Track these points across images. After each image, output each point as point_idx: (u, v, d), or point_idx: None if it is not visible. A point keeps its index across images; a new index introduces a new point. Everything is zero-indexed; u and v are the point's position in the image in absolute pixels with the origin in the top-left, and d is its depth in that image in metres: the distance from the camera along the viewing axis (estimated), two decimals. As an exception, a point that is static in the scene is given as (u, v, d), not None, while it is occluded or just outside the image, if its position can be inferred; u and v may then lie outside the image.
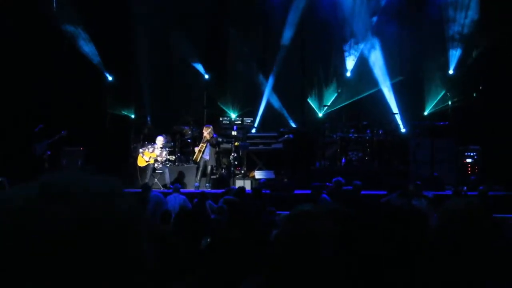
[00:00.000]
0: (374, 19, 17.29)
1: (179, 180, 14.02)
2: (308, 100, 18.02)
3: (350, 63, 17.80)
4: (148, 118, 17.67)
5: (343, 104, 17.64)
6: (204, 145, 14.46)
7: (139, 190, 11.07)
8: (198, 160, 14.50)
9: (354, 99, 17.48)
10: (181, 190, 11.83)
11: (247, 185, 14.18)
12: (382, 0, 17.09)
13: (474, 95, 16.03)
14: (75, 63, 16.22)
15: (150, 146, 14.77)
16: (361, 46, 17.59)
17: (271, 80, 17.81)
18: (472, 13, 16.24)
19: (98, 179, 0.98)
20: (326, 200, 10.21)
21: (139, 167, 14.63)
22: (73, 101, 15.76)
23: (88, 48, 16.69)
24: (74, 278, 0.86)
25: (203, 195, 10.77)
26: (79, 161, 14.37)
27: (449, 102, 16.33)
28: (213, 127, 15.01)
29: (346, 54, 17.74)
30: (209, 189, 13.79)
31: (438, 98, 17.03)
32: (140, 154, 14.65)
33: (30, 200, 0.90)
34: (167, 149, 15.20)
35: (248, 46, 17.97)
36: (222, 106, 17.51)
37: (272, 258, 1.69)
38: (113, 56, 17.07)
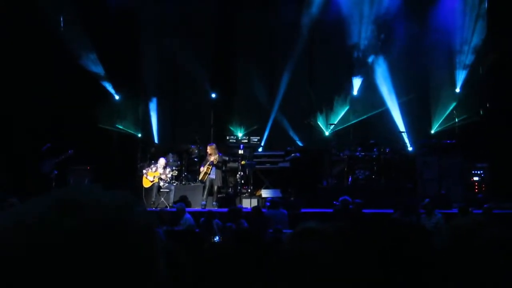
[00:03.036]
0: (381, 37, 17.31)
1: (183, 200, 13.98)
2: (314, 119, 17.97)
3: (357, 82, 17.79)
4: (155, 137, 17.72)
5: (350, 123, 17.61)
6: (210, 168, 14.49)
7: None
8: (205, 180, 14.56)
9: (361, 118, 17.48)
10: (187, 209, 11.88)
11: (254, 203, 14.20)
12: (389, 20, 17.10)
13: (481, 112, 15.98)
14: (83, 83, 16.30)
15: (152, 165, 14.83)
16: (368, 65, 17.60)
17: (278, 99, 17.83)
18: (479, 31, 16.24)
19: (111, 193, 0.97)
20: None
21: (145, 188, 14.64)
22: (80, 120, 15.82)
23: (95, 67, 16.77)
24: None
25: (210, 214, 10.76)
26: (86, 179, 14.37)
27: (456, 120, 16.30)
28: (219, 145, 15.05)
29: (353, 73, 17.73)
30: (215, 208, 13.73)
31: (445, 116, 17.01)
32: (144, 175, 14.70)
33: (43, 213, 0.89)
34: (173, 167, 15.21)
35: (254, 65, 18.03)
36: (229, 126, 17.51)
37: (276, 274, 1.67)
38: (121, 76, 17.15)
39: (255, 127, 17.61)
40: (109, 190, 0.97)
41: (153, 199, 14.46)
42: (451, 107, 16.89)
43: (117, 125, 17.34)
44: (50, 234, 0.87)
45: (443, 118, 17.03)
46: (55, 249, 0.86)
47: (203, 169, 14.58)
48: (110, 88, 17.35)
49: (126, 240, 0.91)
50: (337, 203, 11.78)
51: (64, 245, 0.86)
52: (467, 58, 16.72)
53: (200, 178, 14.76)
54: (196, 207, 13.99)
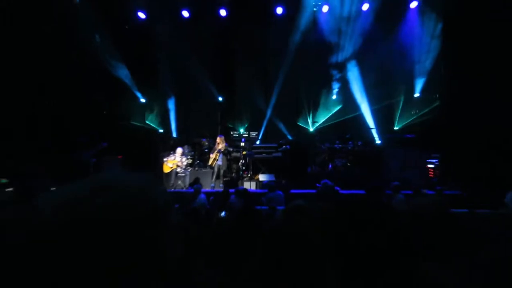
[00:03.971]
0: (356, 51, 17.30)
1: (195, 183, 14.04)
2: (303, 118, 18.05)
3: (336, 88, 17.81)
4: (173, 132, 17.73)
5: (330, 122, 17.79)
6: (218, 154, 14.51)
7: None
8: (213, 165, 14.56)
9: (340, 119, 17.62)
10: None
11: (253, 185, 14.29)
12: (362, 36, 17.08)
13: (435, 112, 16.01)
14: (115, 88, 16.37)
15: (172, 154, 14.85)
16: (346, 74, 17.58)
17: (272, 101, 17.83)
18: (435, 45, 16.24)
19: (136, 177, 1.01)
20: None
21: (165, 172, 14.65)
22: (112, 118, 15.83)
23: (126, 77, 16.77)
24: (119, 253, 0.88)
25: (217, 194, 10.71)
26: (118, 166, 14.30)
27: (415, 118, 16.40)
28: (224, 139, 15.05)
29: (333, 81, 17.74)
30: (222, 189, 13.69)
31: (407, 115, 17.06)
32: (165, 162, 14.71)
33: (81, 194, 0.93)
34: (188, 156, 15.26)
35: (253, 73, 18.04)
36: (232, 124, 17.53)
37: (270, 241, 1.69)
38: (145, 82, 17.19)
39: (246, 125, 17.65)
40: (135, 175, 1.01)
41: (171, 182, 14.47)
42: (411, 108, 16.97)
43: (143, 122, 17.41)
44: (86, 210, 0.90)
45: (405, 116, 17.09)
46: (90, 221, 0.89)
47: (212, 156, 14.64)
48: (137, 92, 17.36)
49: (147, 214, 0.93)
50: (320, 186, 11.73)
51: (97, 218, 0.89)
52: (425, 67, 16.73)
53: (209, 164, 14.75)
54: (207, 188, 13.97)
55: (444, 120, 14.84)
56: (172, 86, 17.74)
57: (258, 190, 13.82)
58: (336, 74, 17.66)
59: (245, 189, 10.78)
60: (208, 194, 11.55)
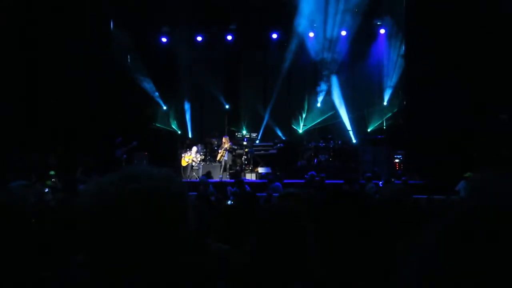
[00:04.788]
0: (336, 68, 17.27)
1: (207, 174, 14.06)
2: (293, 121, 18.03)
3: (320, 98, 17.78)
4: (189, 133, 17.73)
5: (315, 124, 17.64)
6: (224, 151, 14.48)
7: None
8: (221, 160, 14.54)
9: (323, 122, 17.52)
10: (210, 180, 11.82)
11: (253, 176, 14.25)
12: (341, 56, 17.06)
13: (400, 118, 16.04)
14: (142, 97, 16.36)
15: (188, 151, 14.85)
16: (328, 86, 17.53)
17: (269, 108, 17.78)
18: (400, 63, 16.25)
19: (159, 169, 1.01)
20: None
21: (182, 166, 14.67)
22: (141, 122, 15.82)
23: (150, 88, 16.75)
24: (145, 236, 0.88)
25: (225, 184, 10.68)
26: (144, 161, 14.25)
27: (384, 122, 16.46)
28: (231, 138, 15.04)
29: (318, 92, 17.66)
30: (228, 179, 13.78)
31: (377, 119, 17.08)
32: (182, 157, 14.73)
33: (114, 182, 0.93)
34: (201, 153, 15.24)
35: (254, 85, 17.99)
36: (235, 127, 17.47)
37: (266, 222, 1.69)
38: (166, 91, 17.18)
39: (248, 128, 17.64)
40: (158, 168, 1.01)
41: (188, 174, 14.51)
42: (381, 114, 17.00)
43: (165, 125, 17.38)
44: (118, 195, 0.90)
45: (376, 120, 17.11)
46: (122, 205, 0.89)
47: (220, 152, 14.63)
48: (160, 100, 17.32)
49: (167, 199, 0.93)
50: (307, 176, 11.75)
51: (127, 202, 0.89)
52: (392, 81, 16.74)
53: (218, 159, 14.72)
54: (216, 179, 13.92)
55: (407, 123, 14.89)
56: (188, 95, 17.71)
57: (258, 180, 13.78)
58: (321, 86, 17.53)
59: (241, 180, 10.75)
60: (216, 184, 11.53)
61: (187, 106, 17.68)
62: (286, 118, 18.09)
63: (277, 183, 10.87)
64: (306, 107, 17.95)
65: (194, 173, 14.58)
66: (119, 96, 14.69)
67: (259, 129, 17.58)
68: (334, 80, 17.37)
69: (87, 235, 0.90)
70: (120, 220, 0.88)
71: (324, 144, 15.87)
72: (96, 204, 0.91)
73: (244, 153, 15.41)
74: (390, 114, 16.77)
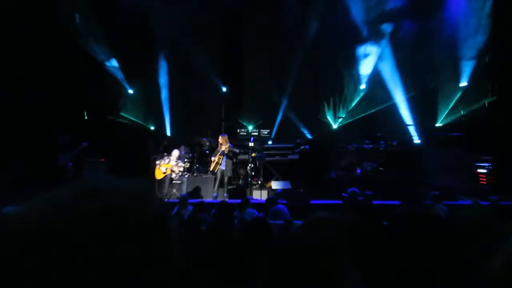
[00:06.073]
0: (389, 30, 17.22)
1: (194, 192, 13.98)
2: (323, 113, 18.12)
3: (364, 75, 17.77)
4: (167, 130, 17.80)
5: (357, 117, 17.71)
6: (221, 157, 14.45)
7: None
8: (216, 170, 14.50)
9: (368, 111, 17.54)
10: (195, 201, 11.58)
11: (264, 194, 14.12)
12: (395, 13, 17.03)
13: (486, 105, 15.88)
14: (96, 77, 16.41)
15: (166, 157, 14.84)
16: (375, 59, 17.56)
17: (287, 92, 17.88)
18: (485, 26, 16.10)
19: (127, 182, 1.03)
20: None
21: (157, 179, 14.61)
22: (94, 114, 15.88)
23: (109, 61, 16.91)
24: (101, 268, 0.90)
25: (224, 205, 10.64)
26: (101, 171, 14.30)
27: (462, 113, 16.25)
28: (229, 138, 14.93)
29: (361, 66, 17.71)
30: (226, 199, 13.58)
31: (450, 108, 16.93)
32: (158, 166, 14.71)
33: (67, 200, 0.95)
34: (185, 160, 15.25)
35: (263, 59, 18.11)
36: (239, 120, 17.57)
37: (283, 262, 1.65)
38: (134, 69, 17.26)
39: (260, 122, 17.64)
40: (125, 180, 1.04)
41: (165, 190, 14.46)
42: (455, 100, 16.84)
43: (130, 117, 17.47)
44: (69, 221, 0.92)
45: (449, 111, 16.97)
46: (76, 229, 0.91)
47: (214, 159, 14.54)
48: (123, 81, 17.42)
49: (141, 225, 0.95)
50: (346, 195, 11.69)
51: (83, 226, 0.91)
52: (472, 51, 16.61)
53: (211, 169, 14.69)
54: (208, 199, 13.90)
55: (500, 117, 14.74)
56: (167, 74, 17.84)
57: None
58: (364, 59, 17.64)
59: (247, 200, 10.72)
60: (210, 205, 11.51)
61: (164, 90, 17.83)
62: (313, 107, 18.20)
63: (280, 205, 10.89)
64: (344, 91, 18.03)
65: (174, 190, 14.57)
66: (61, 73, 14.75)
67: (273, 124, 17.75)
68: (387, 48, 17.39)
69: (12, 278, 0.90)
70: (68, 256, 0.89)
71: (371, 146, 15.96)
72: (33, 234, 0.92)
73: (250, 159, 15.45)
74: (472, 103, 16.65)
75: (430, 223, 2.01)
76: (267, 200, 11.32)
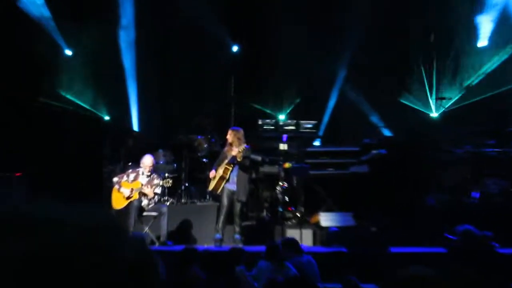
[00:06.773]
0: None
1: (183, 233, 14.01)
2: (413, 91, 18.12)
3: (485, 30, 17.65)
4: (134, 122, 17.93)
5: (473, 100, 17.54)
6: (231, 167, 13.94)
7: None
8: (220, 191, 14.01)
9: (495, 91, 17.35)
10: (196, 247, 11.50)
11: (307, 236, 14.15)
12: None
13: None
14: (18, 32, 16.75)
15: (131, 171, 14.52)
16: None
17: (346, 59, 18.07)
18: None
19: (78, 211, 1.18)
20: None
21: (115, 209, 14.31)
22: (12, 93, 15.96)
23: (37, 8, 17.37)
24: None
25: (238, 251, 10.46)
26: (17, 192, 14.30)
27: None
28: (246, 135, 14.44)
29: (477, 15, 17.77)
30: (239, 244, 13.34)
31: None
32: (116, 187, 14.34)
33: None
34: (164, 174, 14.90)
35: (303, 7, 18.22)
36: (257, 104, 17.84)
37: None
38: (76, 16, 17.63)
39: (298, 104, 17.87)
40: (69, 208, 1.18)
41: (130, 229, 13.93)
42: None
43: (68, 99, 17.82)
44: None
45: None
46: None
47: (214, 173, 14.05)
48: (59, 38, 17.74)
49: (103, 276, 1.08)
50: (454, 237, 11.19)
51: (8, 274, 1.04)
52: None
53: (211, 189, 14.27)
54: (206, 244, 13.77)
55: None
56: (135, 25, 18.10)
57: (322, 249, 13.50)
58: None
59: (276, 246, 10.68)
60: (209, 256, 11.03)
61: (129, 52, 17.98)
62: (394, 82, 18.15)
63: (307, 257, 10.79)
64: (447, 53, 17.84)
65: (147, 228, 14.25)
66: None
67: (322, 112, 17.85)
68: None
69: None
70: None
71: (497, 150, 15.74)
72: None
73: (283, 173, 15.19)
74: None
75: None
76: (283, 242, 11.23)
